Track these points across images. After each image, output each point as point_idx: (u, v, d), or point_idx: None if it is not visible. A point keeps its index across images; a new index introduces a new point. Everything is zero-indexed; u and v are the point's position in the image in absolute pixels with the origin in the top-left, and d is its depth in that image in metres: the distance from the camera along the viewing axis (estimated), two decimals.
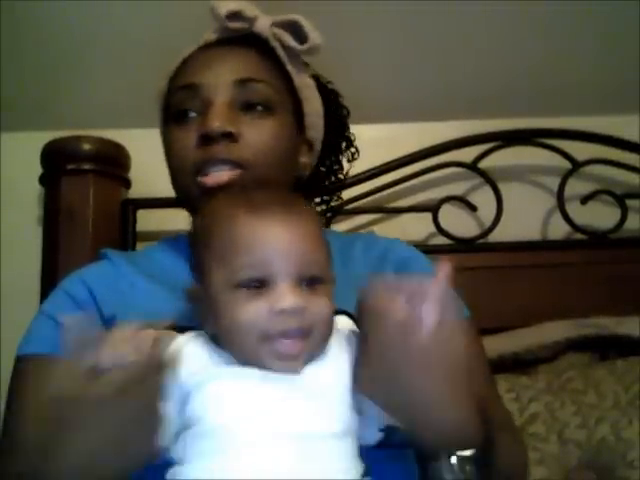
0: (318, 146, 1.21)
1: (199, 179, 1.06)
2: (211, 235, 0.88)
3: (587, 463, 1.34)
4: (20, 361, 1.07)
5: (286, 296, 0.83)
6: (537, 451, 1.35)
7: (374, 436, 0.94)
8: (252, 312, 0.83)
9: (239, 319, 0.83)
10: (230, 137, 1.06)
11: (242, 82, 1.09)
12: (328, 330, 0.87)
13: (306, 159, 1.18)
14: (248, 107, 1.09)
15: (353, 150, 1.30)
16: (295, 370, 0.85)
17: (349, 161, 1.30)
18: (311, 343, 0.85)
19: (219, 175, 1.05)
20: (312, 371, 0.86)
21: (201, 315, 0.89)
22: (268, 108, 1.10)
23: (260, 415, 0.83)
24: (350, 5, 1.67)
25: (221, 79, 1.09)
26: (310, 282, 0.85)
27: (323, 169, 1.27)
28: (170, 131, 1.11)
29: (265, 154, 1.07)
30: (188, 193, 1.08)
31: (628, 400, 1.38)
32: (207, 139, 1.05)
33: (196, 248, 0.91)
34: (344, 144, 1.29)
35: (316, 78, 1.22)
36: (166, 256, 1.16)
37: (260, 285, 0.84)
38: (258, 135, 1.08)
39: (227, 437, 0.82)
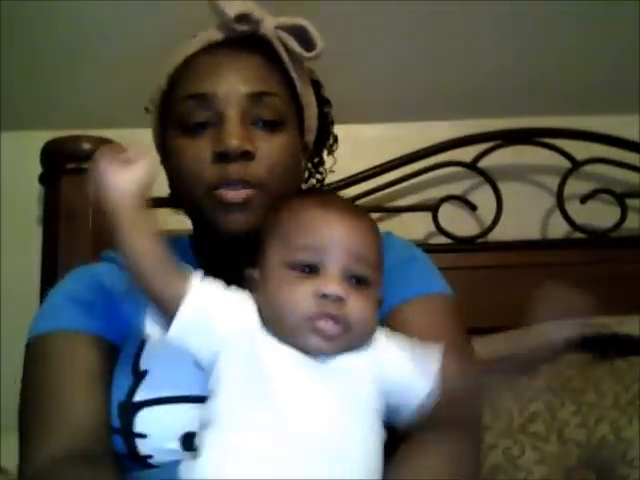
0: (311, 147, 1.21)
1: (216, 192, 1.05)
2: (278, 219, 0.96)
3: (587, 462, 1.34)
4: (36, 340, 1.07)
5: (332, 283, 0.89)
6: (537, 450, 1.35)
7: None
8: (299, 293, 0.89)
9: (286, 297, 0.90)
10: (247, 156, 1.05)
11: (256, 96, 1.08)
12: (366, 332, 0.93)
13: (304, 163, 1.19)
14: (260, 121, 1.08)
15: (331, 142, 1.29)
16: (330, 351, 0.89)
17: (329, 154, 1.29)
18: (349, 335, 0.90)
19: (237, 193, 1.04)
20: (346, 365, 0.90)
21: (251, 294, 0.94)
22: (279, 122, 1.09)
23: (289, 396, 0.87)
24: (350, 5, 1.67)
25: (234, 91, 1.07)
26: (358, 280, 0.92)
27: (310, 165, 1.26)
28: (178, 140, 1.09)
29: (279, 170, 1.07)
30: (202, 206, 1.07)
31: (628, 399, 1.38)
32: (224, 157, 1.04)
33: (262, 234, 0.97)
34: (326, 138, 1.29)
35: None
36: None
37: (311, 270, 0.91)
38: (272, 152, 1.07)
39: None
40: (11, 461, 1.29)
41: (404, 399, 0.94)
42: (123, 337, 1.06)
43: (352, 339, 0.90)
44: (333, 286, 0.89)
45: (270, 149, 1.07)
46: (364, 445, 0.88)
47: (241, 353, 0.89)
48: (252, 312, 0.93)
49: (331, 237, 0.91)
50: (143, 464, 0.97)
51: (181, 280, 0.90)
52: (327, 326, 0.88)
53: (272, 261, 0.93)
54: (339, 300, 0.88)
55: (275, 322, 0.91)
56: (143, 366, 1.01)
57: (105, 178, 0.88)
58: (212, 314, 0.90)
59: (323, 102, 1.23)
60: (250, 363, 0.89)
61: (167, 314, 0.90)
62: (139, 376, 1.00)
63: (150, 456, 0.96)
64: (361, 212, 1.00)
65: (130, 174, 0.89)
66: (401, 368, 0.94)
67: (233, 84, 1.08)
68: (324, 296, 0.88)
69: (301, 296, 0.89)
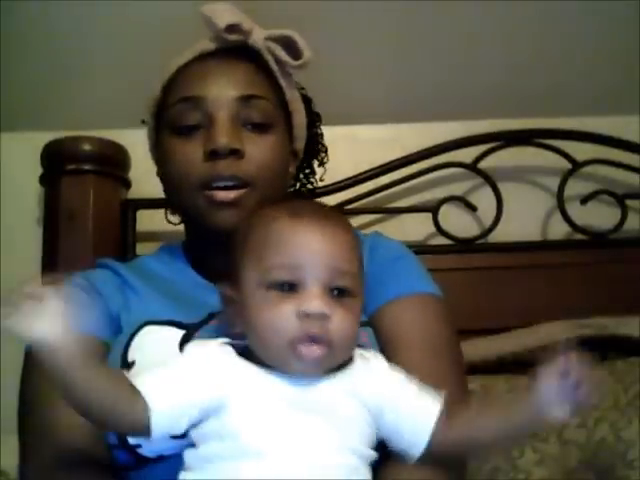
0: (301, 155, 1.24)
1: (207, 192, 1.08)
2: (250, 234, 0.92)
3: (587, 463, 1.34)
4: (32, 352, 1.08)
5: (313, 300, 0.85)
6: (537, 451, 1.35)
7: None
8: (280, 314, 0.86)
9: (268, 320, 0.86)
10: (236, 154, 1.08)
11: (245, 98, 1.12)
12: (350, 345, 0.90)
13: (292, 169, 1.22)
14: (249, 123, 1.12)
15: (323, 154, 1.33)
16: (315, 374, 0.87)
17: (320, 165, 1.33)
18: (332, 353, 0.87)
19: (227, 193, 1.07)
20: (332, 389, 0.88)
21: (231, 315, 0.93)
22: (268, 124, 1.13)
23: (279, 434, 0.85)
24: (350, 5, 1.67)
25: (224, 94, 1.11)
26: (339, 292, 0.88)
27: (301, 175, 1.30)
28: (170, 142, 1.13)
29: (267, 170, 1.11)
30: (193, 205, 1.10)
31: (628, 400, 1.38)
32: (214, 155, 1.08)
33: (233, 249, 0.93)
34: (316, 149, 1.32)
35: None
36: (162, 264, 1.21)
37: (290, 288, 0.87)
38: (260, 152, 1.11)
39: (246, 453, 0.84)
40: (10, 463, 1.29)
41: (397, 435, 0.91)
42: (115, 334, 1.08)
43: (335, 354, 0.88)
44: (316, 303, 0.85)
45: (259, 149, 1.10)
46: (350, 475, 0.86)
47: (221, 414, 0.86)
48: (221, 367, 0.88)
49: (307, 253, 0.87)
50: (133, 454, 0.99)
51: (136, 399, 0.84)
52: (310, 350, 0.85)
53: (248, 282, 0.89)
54: (323, 317, 0.85)
55: (259, 347, 0.89)
56: (131, 357, 1.04)
57: (24, 324, 0.80)
58: (183, 412, 0.86)
59: (313, 117, 1.27)
60: (232, 413, 0.86)
61: (141, 434, 0.86)
62: (127, 366, 1.03)
63: (139, 445, 0.98)
64: (335, 217, 0.94)
65: (45, 312, 0.81)
66: (401, 408, 0.91)
67: (223, 87, 1.12)
68: (307, 315, 0.85)
69: (283, 318, 0.85)
